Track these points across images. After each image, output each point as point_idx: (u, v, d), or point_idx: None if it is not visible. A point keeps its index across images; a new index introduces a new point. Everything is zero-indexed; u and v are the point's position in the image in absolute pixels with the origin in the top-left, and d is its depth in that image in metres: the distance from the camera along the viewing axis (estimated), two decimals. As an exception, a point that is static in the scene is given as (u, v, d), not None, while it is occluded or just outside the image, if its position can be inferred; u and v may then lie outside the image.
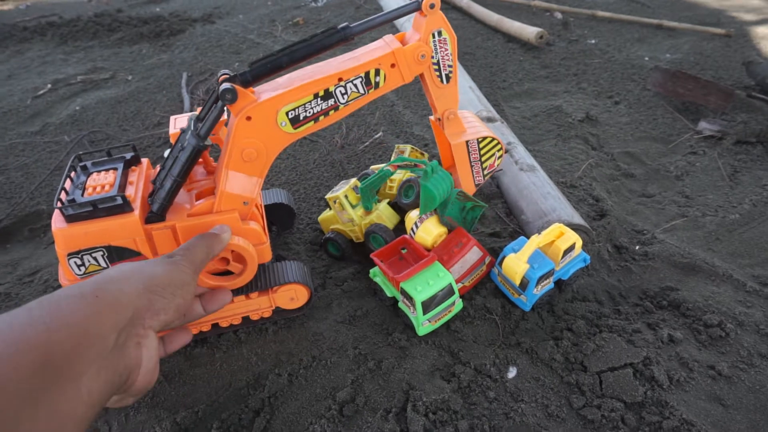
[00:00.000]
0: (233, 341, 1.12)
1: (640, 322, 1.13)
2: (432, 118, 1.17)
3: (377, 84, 0.95)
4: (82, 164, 1.00)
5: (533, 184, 1.42)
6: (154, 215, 0.92)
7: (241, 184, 0.95)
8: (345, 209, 1.29)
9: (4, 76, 2.89)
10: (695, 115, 1.95)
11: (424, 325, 1.07)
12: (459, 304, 1.14)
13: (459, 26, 3.10)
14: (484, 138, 1.15)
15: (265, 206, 1.32)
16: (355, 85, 0.93)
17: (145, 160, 1.06)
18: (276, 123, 0.91)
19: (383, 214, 1.30)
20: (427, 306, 1.05)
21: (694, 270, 1.26)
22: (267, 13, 3.71)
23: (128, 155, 1.03)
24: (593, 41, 2.74)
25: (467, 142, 1.14)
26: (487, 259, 1.22)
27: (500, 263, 1.14)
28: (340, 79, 0.91)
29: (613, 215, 1.43)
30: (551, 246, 1.13)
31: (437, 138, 1.22)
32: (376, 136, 1.87)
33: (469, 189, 1.21)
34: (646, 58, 2.47)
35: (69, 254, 0.90)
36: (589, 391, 0.98)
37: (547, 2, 3.29)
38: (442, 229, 1.17)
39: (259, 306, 1.11)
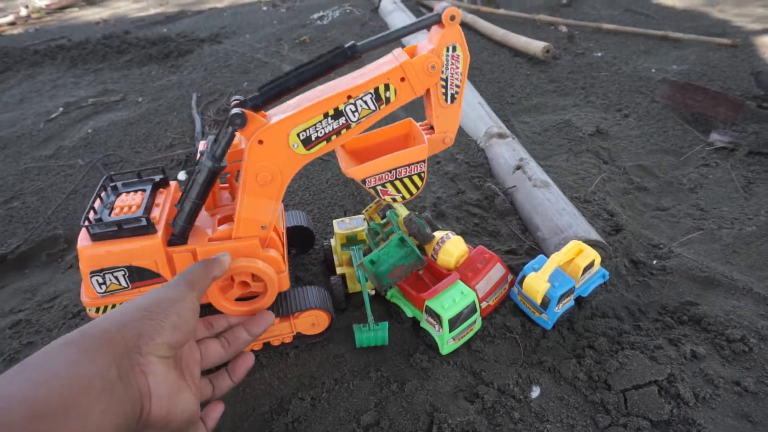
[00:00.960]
0: (255, 365, 1.11)
1: (661, 338, 1.12)
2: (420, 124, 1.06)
3: (388, 99, 0.93)
4: (112, 184, 1.02)
5: (548, 201, 1.42)
6: (176, 238, 0.94)
7: (257, 209, 0.95)
8: (336, 253, 1.30)
9: (17, 100, 2.93)
10: (705, 126, 1.95)
11: (449, 343, 1.07)
12: (479, 323, 1.14)
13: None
14: (424, 177, 1.02)
15: (287, 230, 1.33)
16: (366, 102, 0.91)
17: (173, 183, 1.07)
18: (288, 145, 0.90)
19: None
20: (453, 323, 1.05)
21: (713, 284, 1.25)
22: (273, 32, 3.75)
23: (157, 177, 1.05)
24: (599, 54, 2.76)
25: (424, 161, 1.00)
26: (509, 278, 1.22)
27: (520, 282, 1.15)
28: (349, 97, 0.90)
29: (629, 230, 1.43)
30: (570, 264, 1.13)
31: (391, 129, 1.09)
32: (388, 154, 1.88)
33: (357, 173, 0.98)
34: (653, 70, 2.49)
35: (92, 272, 0.92)
36: (614, 410, 0.97)
37: (551, 16, 3.32)
38: (464, 249, 1.17)
39: (280, 332, 1.11)
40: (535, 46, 2.70)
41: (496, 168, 1.72)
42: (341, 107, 0.90)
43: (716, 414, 0.96)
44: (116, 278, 0.93)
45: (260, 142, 0.88)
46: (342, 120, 0.91)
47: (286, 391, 1.06)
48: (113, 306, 0.97)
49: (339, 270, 1.27)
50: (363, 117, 0.93)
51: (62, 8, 5.45)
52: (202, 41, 3.71)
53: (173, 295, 0.71)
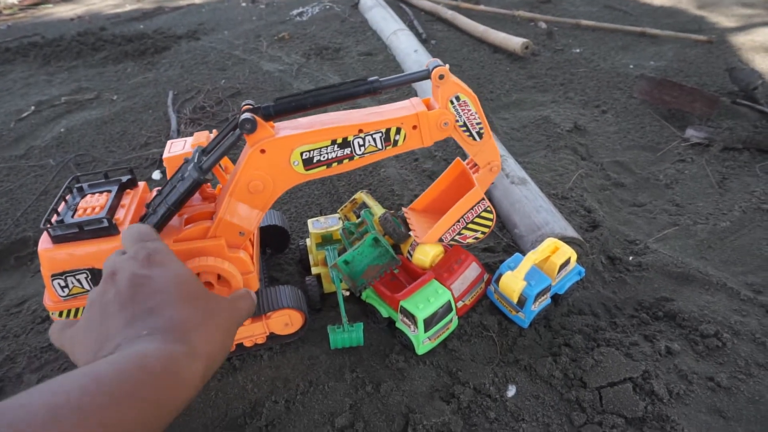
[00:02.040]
0: (227, 369, 1.10)
1: (636, 334, 1.13)
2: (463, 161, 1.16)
3: (396, 142, 0.95)
4: (78, 185, 0.99)
5: (525, 198, 1.42)
6: None
7: (241, 214, 0.94)
8: (312, 253, 1.29)
9: (-13, 99, 2.86)
10: (682, 122, 1.96)
11: (424, 343, 1.06)
12: (455, 322, 1.13)
13: (445, 38, 3.12)
14: (491, 210, 1.09)
15: (261, 229, 1.31)
16: (374, 139, 0.93)
17: (142, 184, 1.04)
18: (289, 161, 0.91)
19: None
20: (429, 323, 1.04)
21: (688, 279, 1.26)
22: (252, 28, 3.71)
23: (124, 178, 1.02)
24: (578, 50, 2.77)
25: (482, 200, 1.07)
26: (485, 277, 1.21)
27: (497, 281, 1.14)
28: (360, 131, 0.92)
29: (606, 226, 1.43)
30: (547, 261, 1.13)
31: (446, 176, 1.20)
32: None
33: (432, 238, 1.10)
34: (631, 66, 2.50)
35: (53, 275, 0.90)
36: (589, 408, 0.97)
37: (531, 12, 3.32)
38: (439, 249, 1.16)
39: (252, 332, 1.09)
40: (515, 42, 2.70)
41: (474, 165, 1.71)
42: (350, 138, 0.92)
43: (690, 410, 0.96)
44: (78, 281, 0.90)
45: (263, 151, 0.88)
46: (347, 150, 0.93)
47: (259, 395, 1.04)
48: (77, 310, 0.94)
49: (314, 270, 1.26)
50: (367, 153, 0.95)
51: (35, 4, 5.33)
52: (180, 38, 3.65)
53: (232, 333, 0.63)
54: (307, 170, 0.93)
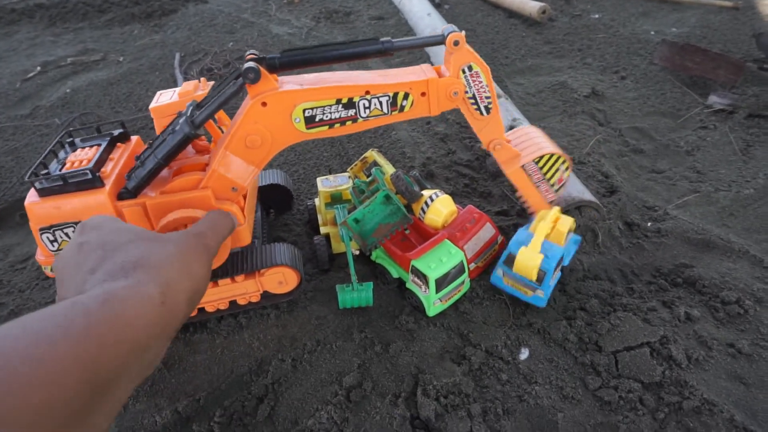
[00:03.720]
0: (234, 326, 1.08)
1: (654, 300, 1.09)
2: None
3: (402, 108, 0.92)
4: (70, 140, 0.97)
5: (541, 161, 1.37)
6: (127, 192, 0.89)
7: (235, 169, 0.91)
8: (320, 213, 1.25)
9: (-8, 59, 2.82)
10: (704, 89, 1.89)
11: (435, 304, 1.03)
12: (467, 284, 1.10)
13: (459, 2, 3.03)
14: (541, 157, 1.06)
15: (261, 188, 1.28)
16: (380, 103, 0.90)
17: (135, 138, 1.01)
18: (290, 117, 0.88)
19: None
20: (440, 284, 1.01)
21: (709, 246, 1.22)
22: (261, -9, 3.62)
23: (116, 132, 0.99)
24: (597, 16, 2.67)
25: (523, 166, 1.06)
26: (499, 238, 1.17)
27: (507, 264, 1.05)
28: (367, 92, 0.89)
29: (624, 191, 1.38)
30: (552, 231, 1.07)
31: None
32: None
33: (544, 208, 1.11)
34: (652, 33, 2.41)
35: (41, 229, 0.88)
36: (605, 372, 0.94)
37: (548, -23, 3.21)
38: (452, 208, 1.12)
39: (246, 290, 1.06)
40: (531, 6, 2.61)
41: (489, 129, 1.66)
42: (356, 99, 0.89)
43: (709, 376, 0.93)
44: (66, 235, 0.88)
45: (264, 104, 0.85)
46: (352, 111, 0.90)
47: (266, 353, 1.02)
48: None
49: (323, 230, 1.22)
50: (372, 116, 0.92)
51: (42, -34, 5.22)
52: (187, 1, 3.57)
53: (208, 273, 0.61)
54: (308, 128, 0.90)
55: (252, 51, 0.87)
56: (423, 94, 0.92)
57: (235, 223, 0.79)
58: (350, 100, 0.89)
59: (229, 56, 2.52)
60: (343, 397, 0.92)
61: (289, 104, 0.86)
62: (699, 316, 1.04)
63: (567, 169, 1.10)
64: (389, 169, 1.21)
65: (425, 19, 2.51)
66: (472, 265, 1.12)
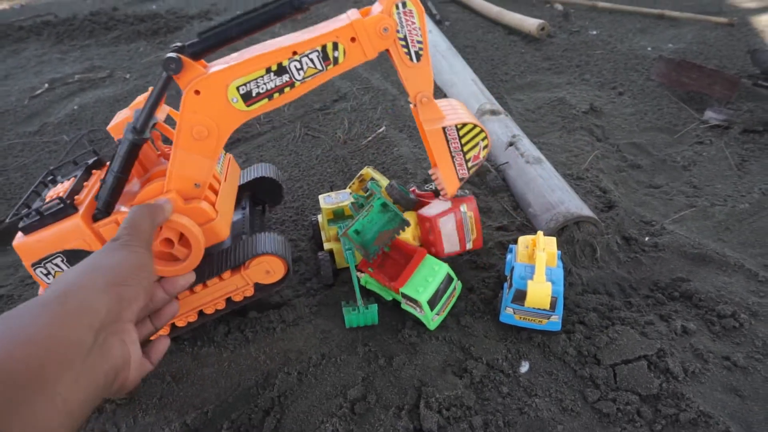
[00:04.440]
0: (240, 340, 1.10)
1: (652, 313, 1.11)
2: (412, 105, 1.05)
3: (336, 60, 0.88)
4: (51, 178, 1.01)
5: (540, 177, 1.40)
6: (100, 212, 0.91)
7: (191, 165, 0.90)
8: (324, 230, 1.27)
9: (1, 76, 2.87)
10: (700, 104, 1.93)
11: (434, 319, 1.06)
12: (459, 287, 1.13)
13: (459, 19, 3.08)
14: (465, 124, 1.01)
15: (250, 182, 1.28)
16: (312, 60, 0.86)
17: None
18: (227, 98, 0.86)
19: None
20: (433, 302, 1.03)
21: (705, 260, 1.24)
22: (264, 9, 3.68)
23: (91, 160, 1.03)
24: (595, 32, 2.72)
25: (444, 128, 1.01)
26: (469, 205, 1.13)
27: (516, 300, 1.04)
28: (294, 53, 0.84)
29: (621, 206, 1.41)
30: (535, 254, 1.08)
31: (419, 128, 1.08)
32: (379, 130, 1.85)
33: (452, 185, 1.09)
34: (649, 49, 2.45)
35: (33, 265, 0.92)
36: (603, 385, 0.97)
37: (546, -6, 3.26)
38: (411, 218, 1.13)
39: (235, 285, 1.06)
40: (530, 23, 2.66)
41: (489, 145, 1.69)
42: (285, 63, 0.85)
43: (705, 388, 0.95)
44: (56, 265, 0.92)
45: (197, 92, 0.84)
46: (285, 77, 0.87)
47: (272, 366, 1.04)
48: None
49: (326, 245, 1.25)
50: (308, 76, 0.88)
51: (49, -16, 5.31)
52: (192, 18, 3.63)
53: (139, 259, 0.67)
54: (248, 106, 0.88)
55: (176, 44, 0.85)
56: (353, 39, 0.87)
57: (161, 215, 0.80)
58: (280, 65, 0.85)
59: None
60: (347, 409, 0.94)
61: (221, 85, 0.84)
62: (695, 330, 1.06)
63: (486, 148, 1.06)
64: (384, 181, 1.24)
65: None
66: (469, 244, 1.14)
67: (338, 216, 1.27)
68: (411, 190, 1.21)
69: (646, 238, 1.33)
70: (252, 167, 1.34)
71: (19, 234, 0.91)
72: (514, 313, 1.05)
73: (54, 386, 0.48)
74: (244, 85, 0.85)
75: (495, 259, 1.26)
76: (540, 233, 1.09)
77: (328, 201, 1.26)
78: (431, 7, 3.22)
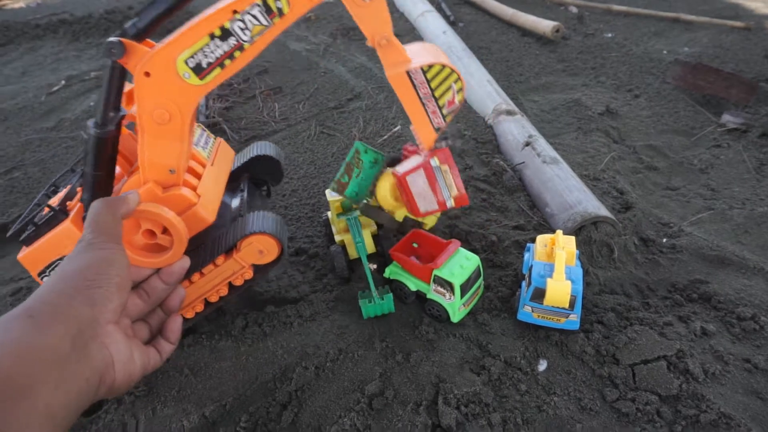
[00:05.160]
0: (258, 334, 1.10)
1: (670, 315, 1.11)
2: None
3: (280, 11, 0.80)
4: (53, 188, 1.02)
5: (557, 177, 1.40)
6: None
7: (161, 151, 0.87)
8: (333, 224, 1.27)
9: (18, 73, 2.90)
10: (717, 108, 1.92)
11: (460, 310, 1.06)
12: (482, 288, 1.14)
13: (473, 21, 3.08)
14: (431, 66, 0.90)
15: (246, 163, 1.25)
16: (254, 16, 0.80)
17: None
18: (178, 75, 0.81)
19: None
20: (464, 289, 1.04)
21: (724, 263, 1.23)
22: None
23: None
24: (610, 35, 2.71)
25: (409, 72, 0.91)
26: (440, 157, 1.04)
27: (534, 299, 1.03)
28: (234, 12, 0.78)
29: (639, 208, 1.40)
30: (555, 254, 1.08)
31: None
32: (395, 129, 1.85)
33: (428, 136, 0.98)
34: (665, 52, 2.44)
35: (39, 274, 0.94)
36: (622, 384, 0.96)
37: (561, -4, 3.26)
38: (390, 179, 1.08)
39: (232, 270, 1.03)
40: (545, 25, 2.65)
41: (505, 144, 1.69)
42: (227, 25, 0.79)
43: (726, 390, 0.94)
44: None
45: (146, 74, 0.79)
46: (232, 40, 0.80)
47: (290, 360, 1.05)
48: None
49: (337, 238, 1.25)
50: (256, 35, 0.81)
51: (65, -17, 5.36)
52: (206, 17, 3.65)
53: (107, 256, 0.66)
54: (202, 79, 0.82)
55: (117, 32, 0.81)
56: None
57: (124, 206, 0.76)
58: (223, 28, 0.79)
59: (248, 71, 2.57)
60: (365, 404, 0.94)
61: (168, 61, 0.79)
62: (715, 331, 1.05)
63: (460, 90, 0.95)
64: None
65: (441, 37, 2.56)
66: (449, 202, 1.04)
67: (346, 209, 1.26)
68: (403, 147, 1.14)
69: (664, 240, 1.32)
70: (247, 148, 1.30)
71: (23, 247, 0.93)
72: (533, 311, 1.05)
73: (33, 395, 0.49)
74: (192, 57, 0.80)
75: (512, 257, 1.26)
76: (559, 232, 1.09)
77: (334, 195, 1.25)
78: (445, 8, 3.22)
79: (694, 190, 1.52)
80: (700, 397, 0.92)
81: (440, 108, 0.95)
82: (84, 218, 0.88)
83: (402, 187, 1.02)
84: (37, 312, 0.56)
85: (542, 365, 1.01)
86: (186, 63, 0.80)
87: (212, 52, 0.80)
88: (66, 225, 0.90)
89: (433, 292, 1.08)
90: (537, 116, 1.97)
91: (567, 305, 1.01)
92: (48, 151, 2.01)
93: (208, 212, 0.94)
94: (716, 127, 1.81)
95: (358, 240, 1.14)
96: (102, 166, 0.85)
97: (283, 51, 2.84)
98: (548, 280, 1.02)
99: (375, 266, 1.20)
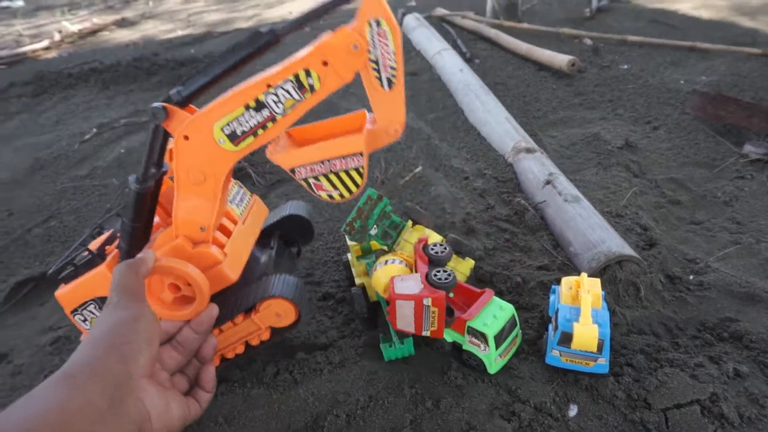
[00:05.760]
0: (289, 382, 1.12)
1: (701, 355, 1.10)
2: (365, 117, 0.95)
3: (312, 87, 0.83)
4: (97, 230, 1.10)
5: (579, 216, 1.41)
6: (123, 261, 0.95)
7: (194, 209, 0.92)
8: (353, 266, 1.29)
9: (52, 122, 3.03)
10: (738, 138, 1.92)
11: (496, 361, 1.06)
12: (520, 336, 1.14)
13: (488, 56, 3.14)
14: (363, 173, 0.94)
15: (278, 222, 1.29)
16: (287, 91, 0.83)
17: None
18: (214, 140, 0.85)
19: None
20: (498, 339, 1.04)
21: (754, 300, 1.22)
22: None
23: None
24: (626, 66, 2.74)
25: (360, 153, 0.92)
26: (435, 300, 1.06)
27: (562, 343, 1.04)
28: (268, 86, 0.82)
29: (663, 244, 1.40)
30: (579, 296, 1.08)
31: (343, 120, 0.98)
32: (416, 170, 1.88)
33: (284, 159, 0.93)
34: (682, 82, 2.46)
35: (72, 312, 1.00)
36: (655, 430, 0.95)
37: (575, 29, 3.31)
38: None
39: (248, 330, 1.07)
40: (560, 59, 2.69)
41: (525, 183, 1.71)
42: (262, 97, 0.83)
43: (763, 434, 0.93)
44: (91, 311, 0.99)
45: (186, 137, 0.84)
46: (266, 112, 0.84)
47: (321, 408, 1.06)
48: None
49: (358, 281, 1.28)
50: (288, 108, 0.85)
51: (94, 32, 5.62)
52: (229, 61, 3.78)
53: (133, 314, 0.70)
54: (236, 145, 0.86)
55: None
56: (324, 63, 0.81)
57: (143, 267, 0.80)
58: (257, 100, 0.83)
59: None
60: (397, 453, 0.95)
61: (205, 127, 0.84)
62: (748, 373, 1.04)
63: (338, 199, 0.97)
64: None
65: (457, 75, 2.62)
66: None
67: (366, 251, 1.29)
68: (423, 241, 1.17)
69: (691, 277, 1.31)
70: (281, 206, 1.34)
71: (62, 285, 1.00)
72: (561, 355, 1.05)
73: None
74: (228, 125, 0.84)
75: (537, 299, 1.27)
76: (584, 275, 1.09)
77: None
78: (461, 45, 3.30)
79: (719, 224, 1.52)
80: (736, 442, 0.91)
81: (315, 177, 0.94)
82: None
83: (390, 301, 1.06)
84: (76, 372, 0.61)
85: (573, 410, 1.01)
86: (222, 130, 0.85)
87: (247, 121, 0.85)
88: (101, 269, 0.96)
89: (468, 344, 1.09)
90: (556, 152, 1.99)
91: (595, 349, 1.02)
92: (82, 200, 2.09)
93: (232, 271, 0.99)
94: (738, 158, 1.80)
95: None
96: (140, 218, 0.92)
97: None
98: (575, 324, 1.02)
99: None
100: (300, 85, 0.83)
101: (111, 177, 2.23)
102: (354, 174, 0.93)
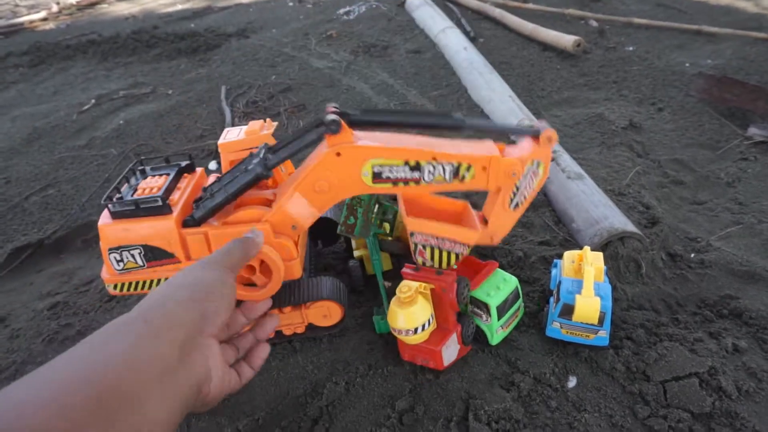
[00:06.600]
0: (288, 350, 1.12)
1: (701, 331, 1.10)
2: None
3: (463, 178, 0.93)
4: (141, 168, 1.04)
5: (582, 192, 1.40)
6: (192, 220, 0.95)
7: (299, 209, 0.95)
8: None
9: (50, 93, 3.00)
10: (743, 120, 1.91)
11: (498, 332, 1.06)
12: (522, 309, 1.13)
13: (493, 36, 3.11)
14: (456, 261, 1.02)
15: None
16: (444, 170, 0.92)
17: (199, 170, 1.08)
18: (360, 170, 0.91)
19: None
20: (501, 310, 1.04)
21: (754, 278, 1.22)
22: (300, 27, 3.77)
23: (183, 163, 1.06)
24: (631, 48, 2.71)
25: (465, 245, 1.00)
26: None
27: (563, 315, 1.04)
28: (434, 158, 0.90)
29: (665, 223, 1.40)
30: (582, 269, 1.08)
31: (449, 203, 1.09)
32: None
33: (414, 224, 1.01)
34: (687, 65, 2.44)
35: (110, 249, 0.95)
36: (653, 401, 0.96)
37: (581, 10, 3.27)
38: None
39: (291, 321, 1.11)
40: (566, 40, 2.66)
41: (528, 160, 1.70)
42: (423, 163, 0.91)
43: (760, 408, 0.93)
44: (132, 256, 0.95)
45: (338, 154, 0.89)
46: (416, 174, 0.92)
47: (320, 376, 1.06)
48: (131, 284, 0.99)
49: (356, 253, 1.29)
50: (434, 181, 0.93)
51: (93, 4, 5.54)
52: (230, 36, 3.74)
53: (222, 277, 0.69)
54: (374, 183, 0.92)
55: (333, 105, 0.91)
56: (484, 168, 0.92)
57: (254, 249, 0.82)
58: (418, 163, 0.90)
59: (272, 89, 2.63)
60: (396, 420, 0.95)
61: (362, 158, 0.89)
62: (747, 348, 1.04)
63: (428, 266, 1.03)
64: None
65: (461, 53, 2.59)
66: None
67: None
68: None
69: (692, 255, 1.31)
70: None
71: (106, 216, 0.94)
72: (561, 327, 1.05)
73: (143, 406, 0.49)
74: (380, 166, 0.90)
75: (539, 273, 1.26)
76: (587, 248, 1.09)
77: None
78: (464, 24, 3.26)
79: (721, 204, 1.51)
80: (733, 414, 0.91)
81: (424, 245, 1.02)
82: (184, 222, 0.94)
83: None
84: (152, 317, 0.57)
85: (572, 382, 1.01)
86: (372, 167, 0.90)
87: (397, 172, 0.91)
88: (169, 222, 0.93)
89: (470, 313, 1.09)
90: (560, 131, 1.97)
91: (596, 321, 1.01)
92: (80, 169, 2.07)
93: (299, 268, 1.01)
94: (742, 140, 1.79)
95: (375, 257, 1.16)
96: (239, 195, 0.94)
97: (305, 68, 2.90)
98: (577, 296, 1.02)
99: (390, 284, 1.22)
100: (456, 173, 0.92)
101: (109, 147, 2.21)
102: (452, 257, 1.02)
